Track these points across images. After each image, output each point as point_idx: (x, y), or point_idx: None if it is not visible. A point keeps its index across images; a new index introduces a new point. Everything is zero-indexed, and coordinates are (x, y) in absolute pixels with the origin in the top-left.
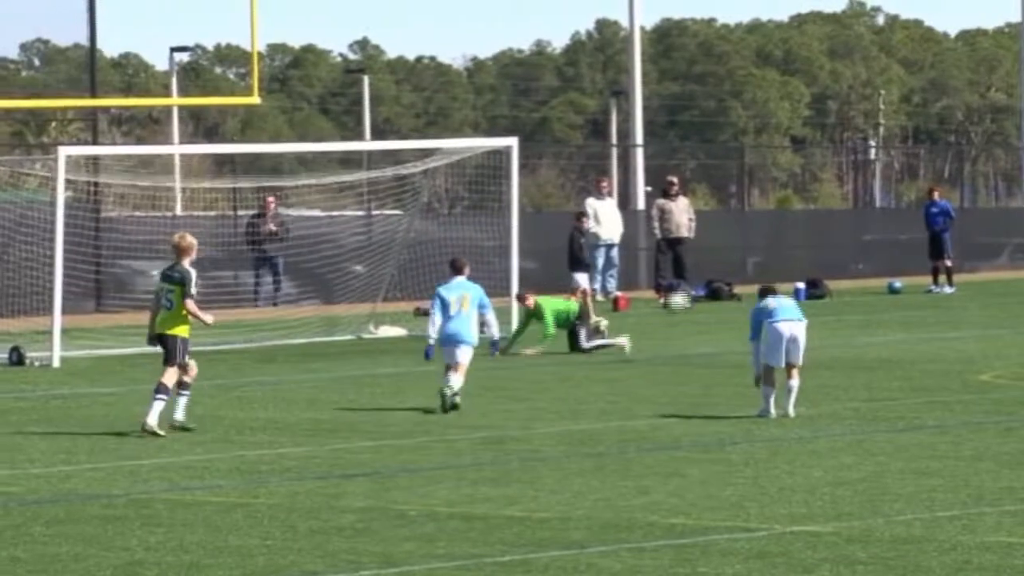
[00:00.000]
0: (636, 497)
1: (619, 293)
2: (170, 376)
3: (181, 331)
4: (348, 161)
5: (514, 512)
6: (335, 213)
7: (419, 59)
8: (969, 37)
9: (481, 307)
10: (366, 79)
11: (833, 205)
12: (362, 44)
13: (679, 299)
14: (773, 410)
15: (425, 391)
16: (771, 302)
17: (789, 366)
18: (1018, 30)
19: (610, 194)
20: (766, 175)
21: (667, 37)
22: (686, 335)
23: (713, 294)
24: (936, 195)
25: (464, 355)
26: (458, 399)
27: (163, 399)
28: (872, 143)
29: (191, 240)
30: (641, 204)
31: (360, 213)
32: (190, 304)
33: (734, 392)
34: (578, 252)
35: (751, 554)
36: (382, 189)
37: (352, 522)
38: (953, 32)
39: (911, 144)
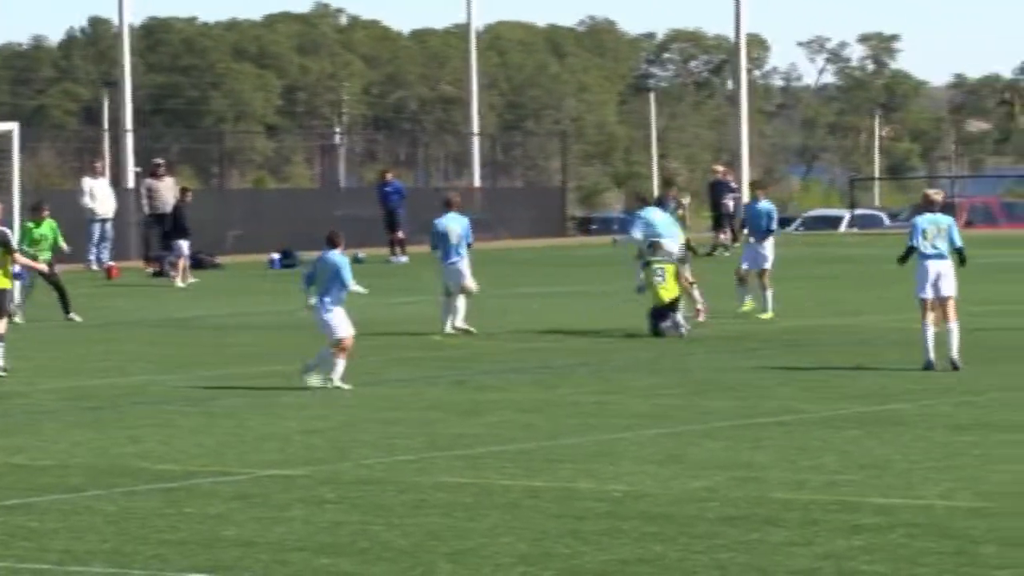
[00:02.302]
0: (129, 446)
1: (112, 263)
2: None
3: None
4: None
5: (18, 460)
6: None
7: None
8: (421, 36)
9: None
10: None
11: (304, 185)
12: None
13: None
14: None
15: None
16: (319, 266)
17: (333, 344)
18: (464, 30)
19: (103, 174)
20: (244, 158)
21: (154, 33)
22: (174, 300)
23: (196, 264)
24: (389, 176)
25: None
26: None
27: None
28: (337, 130)
29: None
30: (131, 183)
31: None
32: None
33: (217, 351)
34: (182, 221)
35: (232, 496)
36: None
37: None
38: (407, 31)
39: (372, 131)
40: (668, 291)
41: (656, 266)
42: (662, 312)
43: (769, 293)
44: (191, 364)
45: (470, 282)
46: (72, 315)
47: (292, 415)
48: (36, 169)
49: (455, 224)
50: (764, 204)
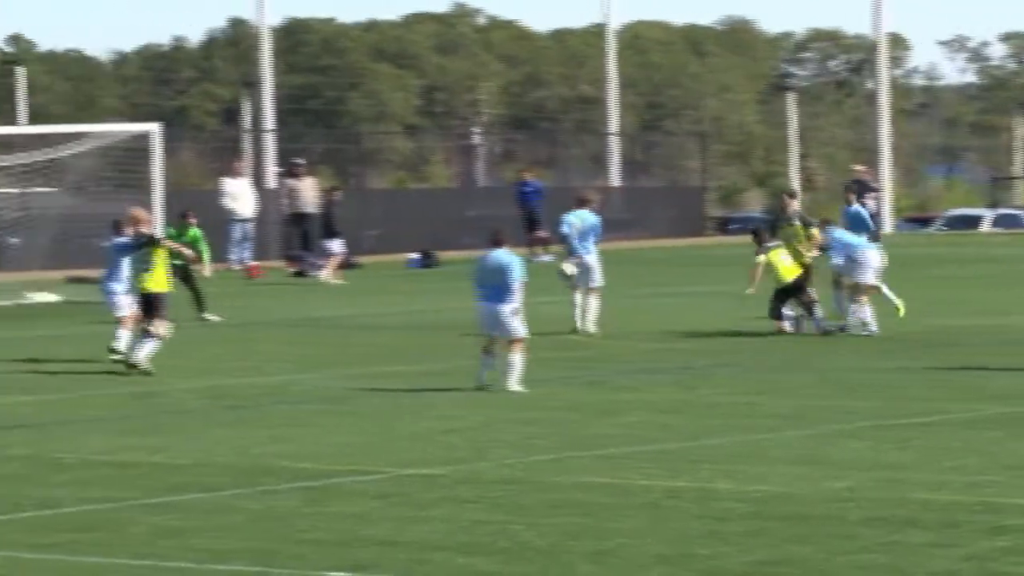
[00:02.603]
0: (270, 445)
1: (253, 263)
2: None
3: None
4: (4, 144)
5: (160, 459)
6: None
7: (68, 52)
8: (560, 36)
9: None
10: (20, 70)
11: (442, 185)
12: (16, 38)
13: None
14: (485, 378)
15: (78, 351)
16: (485, 264)
17: (509, 341)
18: (602, 30)
19: (244, 174)
20: (383, 158)
21: (293, 34)
22: (313, 300)
23: (341, 263)
24: (527, 176)
25: None
26: None
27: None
28: (476, 130)
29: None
30: (272, 183)
31: (15, 191)
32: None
33: (357, 351)
34: (332, 223)
35: (373, 494)
36: (35, 170)
37: (14, 470)
38: (545, 31)
39: (510, 131)
40: (789, 271)
41: (776, 250)
42: (784, 296)
43: (883, 291)
44: (329, 364)
45: (568, 265)
46: (206, 315)
47: (430, 414)
48: (176, 169)
49: (577, 219)
50: (854, 208)
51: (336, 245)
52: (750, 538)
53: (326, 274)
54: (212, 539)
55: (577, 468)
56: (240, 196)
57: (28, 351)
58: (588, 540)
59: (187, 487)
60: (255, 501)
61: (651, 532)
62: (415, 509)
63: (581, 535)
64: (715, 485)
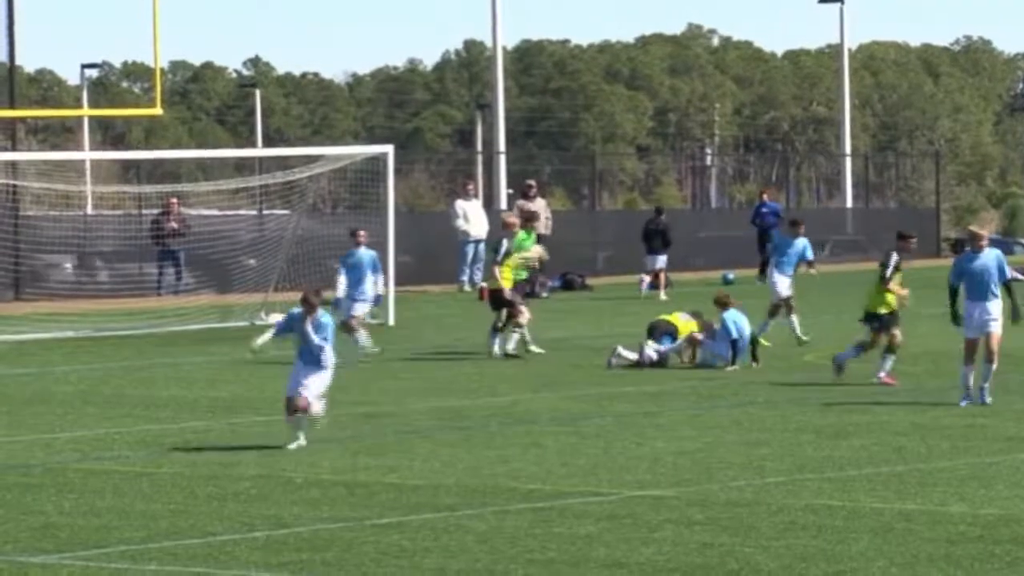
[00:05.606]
0: (499, 465)
1: (484, 284)
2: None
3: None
4: (242, 166)
5: (391, 479)
6: (230, 213)
7: (305, 75)
8: (793, 56)
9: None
10: (258, 93)
11: (674, 205)
12: (255, 61)
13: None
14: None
15: None
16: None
17: None
18: (837, 50)
19: (476, 195)
20: (614, 179)
21: (527, 56)
22: (542, 322)
23: (567, 285)
24: (766, 197)
25: None
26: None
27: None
28: (708, 151)
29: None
30: (504, 204)
31: (253, 213)
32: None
33: (586, 372)
34: (665, 235)
35: (602, 516)
36: (272, 191)
37: (246, 488)
38: (780, 52)
39: (743, 152)
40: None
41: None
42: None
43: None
44: (559, 384)
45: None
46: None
47: (660, 436)
48: (409, 190)
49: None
50: (800, 240)
51: (658, 261)
52: (980, 562)
53: (662, 293)
54: (442, 559)
55: (809, 490)
56: (472, 217)
57: (262, 371)
58: (819, 563)
59: (417, 507)
60: (484, 522)
61: (882, 555)
62: (643, 531)
63: (812, 558)
64: (947, 508)
